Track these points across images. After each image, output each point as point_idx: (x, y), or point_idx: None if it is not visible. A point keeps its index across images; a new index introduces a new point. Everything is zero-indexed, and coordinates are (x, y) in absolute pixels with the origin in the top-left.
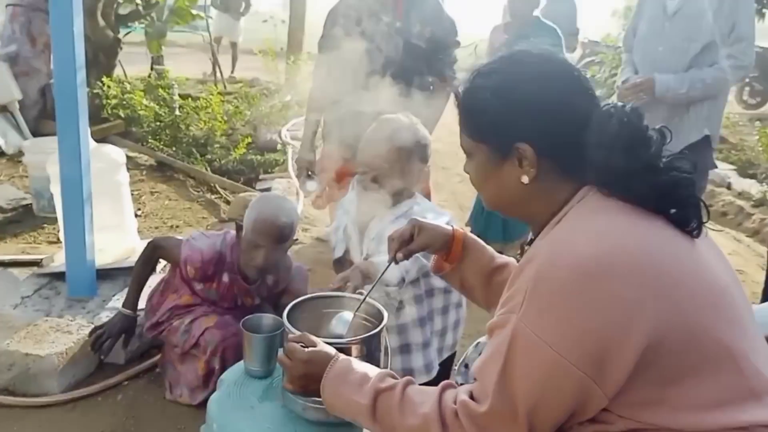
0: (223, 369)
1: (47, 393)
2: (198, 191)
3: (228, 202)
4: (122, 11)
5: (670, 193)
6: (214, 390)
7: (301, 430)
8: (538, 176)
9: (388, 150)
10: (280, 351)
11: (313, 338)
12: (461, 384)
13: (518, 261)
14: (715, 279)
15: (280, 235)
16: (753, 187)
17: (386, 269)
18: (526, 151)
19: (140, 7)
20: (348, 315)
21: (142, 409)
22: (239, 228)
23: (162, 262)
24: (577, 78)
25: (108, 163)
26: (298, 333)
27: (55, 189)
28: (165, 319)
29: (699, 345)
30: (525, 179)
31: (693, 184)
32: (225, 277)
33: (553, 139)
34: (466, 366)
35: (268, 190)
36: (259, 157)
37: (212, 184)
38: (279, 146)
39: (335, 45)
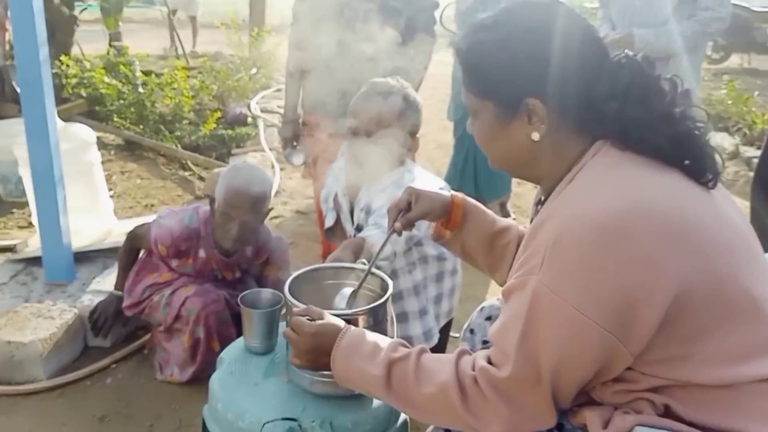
0: (208, 339)
1: (33, 380)
2: (170, 169)
3: (202, 179)
4: None
5: (686, 144)
6: (203, 365)
7: (309, 405)
8: (548, 132)
9: (378, 115)
10: (283, 326)
11: (320, 310)
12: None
13: None
14: (736, 229)
15: (253, 205)
16: (725, 140)
17: (386, 240)
18: (536, 105)
19: None
20: (350, 287)
21: (134, 392)
22: (212, 201)
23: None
24: (585, 27)
25: (77, 143)
26: (302, 306)
27: (25, 172)
28: (145, 297)
29: (724, 296)
30: (535, 136)
31: (707, 134)
32: (201, 253)
33: (563, 92)
34: (472, 331)
35: None
36: (230, 132)
37: (184, 161)
38: (249, 120)
39: (312, 5)
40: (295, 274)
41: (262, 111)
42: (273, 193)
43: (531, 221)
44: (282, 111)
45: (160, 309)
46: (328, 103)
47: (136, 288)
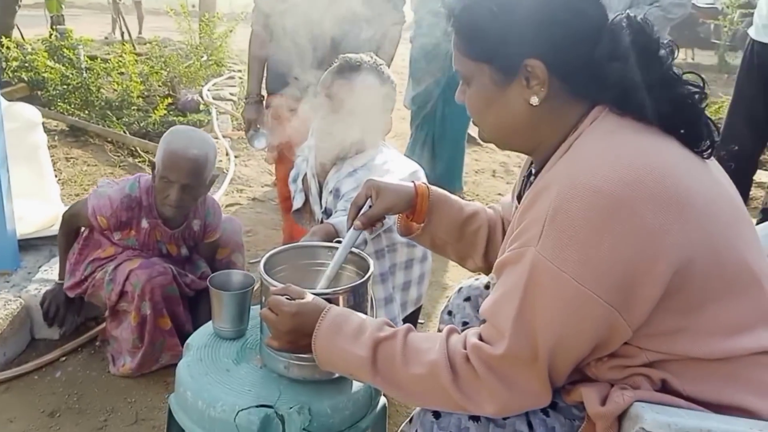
0: (156, 316)
1: None
2: (118, 155)
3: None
4: None
5: (684, 109)
6: (151, 345)
7: (285, 391)
8: (547, 97)
9: (351, 91)
10: (255, 307)
11: (300, 289)
12: None
13: None
14: (731, 200)
15: (192, 169)
16: None
17: (348, 239)
18: (536, 67)
19: None
20: (328, 265)
21: (86, 385)
22: (153, 166)
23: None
24: None
25: (22, 123)
26: (281, 285)
27: None
28: (88, 275)
29: (723, 267)
30: (534, 100)
31: (705, 99)
32: (144, 223)
33: (564, 53)
34: (450, 313)
35: None
36: (181, 118)
37: (133, 147)
38: (202, 106)
39: None
40: (269, 253)
41: (214, 98)
42: (216, 158)
43: (518, 195)
44: (234, 98)
45: (105, 286)
46: (295, 81)
47: (78, 267)
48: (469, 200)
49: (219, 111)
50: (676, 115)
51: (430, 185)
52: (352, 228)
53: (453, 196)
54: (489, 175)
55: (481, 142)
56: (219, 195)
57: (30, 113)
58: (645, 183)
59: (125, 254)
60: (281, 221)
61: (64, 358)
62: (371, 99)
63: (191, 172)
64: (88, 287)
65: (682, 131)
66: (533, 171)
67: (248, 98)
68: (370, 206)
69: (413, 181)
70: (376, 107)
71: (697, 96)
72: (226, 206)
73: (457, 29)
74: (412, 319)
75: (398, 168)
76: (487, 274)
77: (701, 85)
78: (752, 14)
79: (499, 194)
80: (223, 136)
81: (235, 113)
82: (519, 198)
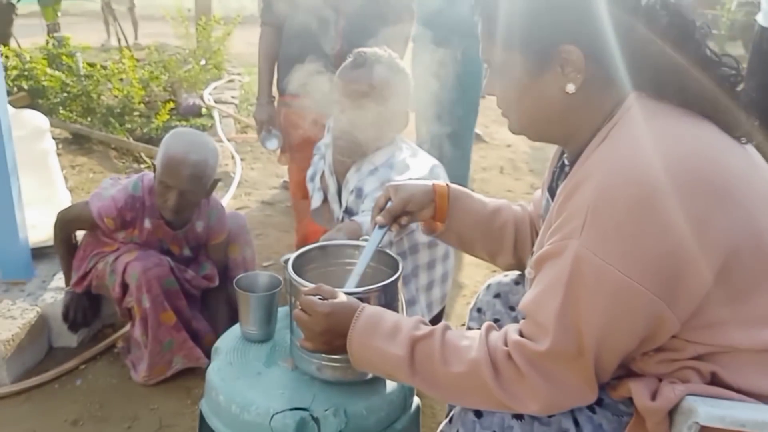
0: (156, 310)
1: None
2: (123, 162)
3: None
4: None
5: (722, 93)
6: (157, 343)
7: (319, 393)
8: (583, 83)
9: (367, 86)
10: (281, 309)
11: (332, 289)
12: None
13: None
14: None
15: (191, 175)
16: None
17: (374, 236)
18: (572, 53)
19: None
20: (355, 264)
21: (107, 393)
22: (155, 168)
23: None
24: None
25: (31, 130)
26: (312, 285)
27: None
28: (91, 267)
29: (767, 253)
30: (570, 88)
31: (741, 83)
32: (147, 223)
33: (600, 37)
34: (479, 310)
35: None
36: (184, 123)
37: (138, 153)
38: (204, 110)
39: None
40: (297, 252)
41: (215, 102)
42: (217, 162)
43: (549, 187)
44: (236, 102)
45: (107, 276)
46: (308, 80)
47: (83, 264)
48: None
49: (221, 114)
50: (715, 98)
51: (450, 183)
52: (376, 226)
53: (475, 194)
54: (497, 172)
55: (487, 140)
56: (227, 198)
57: (38, 120)
58: (688, 171)
59: (126, 248)
60: (293, 223)
61: (83, 366)
62: (387, 93)
63: (190, 179)
64: (92, 279)
65: (720, 115)
66: (566, 162)
67: (259, 99)
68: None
69: (432, 182)
70: (392, 102)
71: (732, 79)
72: (235, 210)
73: (485, 16)
74: (436, 320)
75: (418, 164)
76: (518, 270)
77: (737, 67)
78: (750, 3)
79: (509, 191)
80: (228, 140)
81: (238, 116)
82: (550, 191)
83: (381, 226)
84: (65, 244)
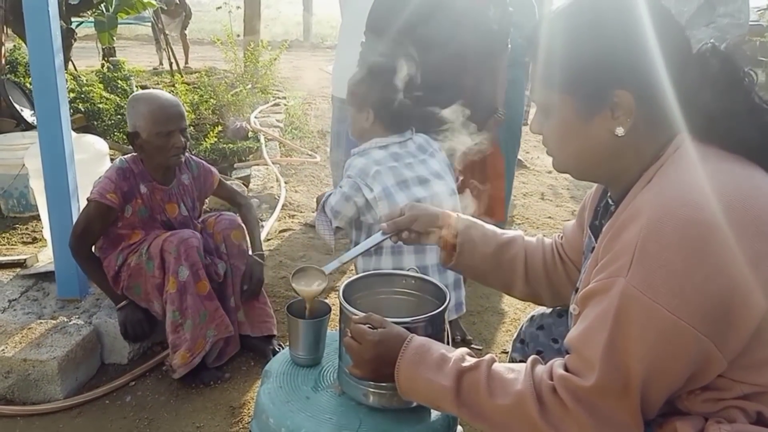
0: (195, 281)
1: (50, 399)
2: None
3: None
4: (73, 1)
5: None
6: (198, 319)
7: (366, 419)
8: (631, 126)
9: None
10: (331, 335)
11: (381, 318)
12: (520, 361)
13: None
14: None
15: (181, 113)
16: None
17: (374, 237)
18: (624, 98)
19: None
20: (403, 296)
21: (155, 409)
22: (136, 135)
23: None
24: (669, 13)
25: (91, 154)
26: (362, 314)
27: (36, 184)
28: (120, 264)
29: None
30: (620, 131)
31: None
32: (142, 188)
33: (654, 81)
34: (522, 341)
35: (245, 177)
36: (231, 146)
37: None
38: (250, 133)
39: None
40: (347, 281)
41: (261, 125)
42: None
43: (591, 225)
44: (281, 125)
45: (145, 266)
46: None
47: (111, 264)
48: (519, 224)
49: (267, 138)
50: (762, 143)
51: (461, 215)
52: (380, 231)
53: (487, 225)
54: (537, 198)
55: (528, 165)
56: (271, 221)
57: (98, 145)
58: (737, 210)
59: (152, 235)
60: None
61: (133, 383)
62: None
63: (182, 116)
64: (124, 277)
65: (766, 160)
66: (611, 201)
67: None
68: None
69: (443, 212)
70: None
71: None
72: (279, 232)
73: (537, 60)
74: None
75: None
76: (533, 302)
77: None
78: None
79: (549, 217)
80: (273, 163)
81: (283, 140)
82: (593, 228)
83: (383, 233)
84: (91, 262)
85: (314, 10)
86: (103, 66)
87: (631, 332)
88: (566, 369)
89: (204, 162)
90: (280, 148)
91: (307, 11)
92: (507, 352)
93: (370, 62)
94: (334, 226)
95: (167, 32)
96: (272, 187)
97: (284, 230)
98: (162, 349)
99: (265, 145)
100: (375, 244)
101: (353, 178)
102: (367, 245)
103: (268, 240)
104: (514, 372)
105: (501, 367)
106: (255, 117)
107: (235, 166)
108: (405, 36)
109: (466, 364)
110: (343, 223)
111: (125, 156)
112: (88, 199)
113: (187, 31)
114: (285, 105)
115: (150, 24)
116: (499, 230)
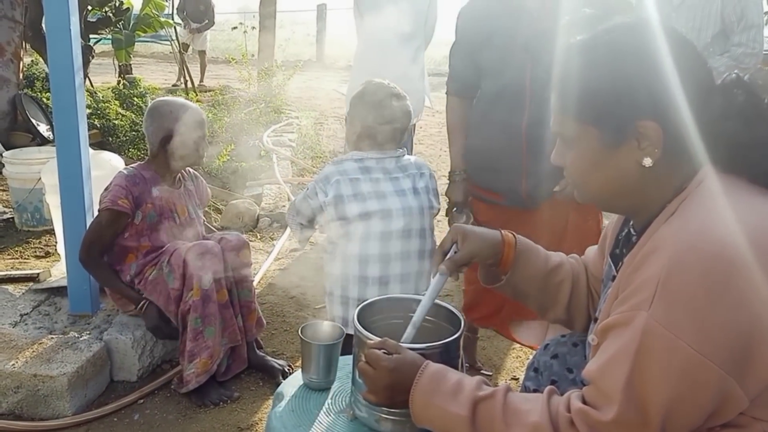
0: (217, 287)
1: (58, 416)
2: None
3: (218, 210)
4: (91, 18)
5: None
6: (222, 325)
7: None
8: (659, 158)
9: None
10: (344, 360)
11: (396, 344)
12: (533, 390)
13: None
14: None
15: (203, 119)
16: None
17: (435, 284)
18: (650, 129)
19: (111, 14)
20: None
21: (163, 428)
22: (167, 139)
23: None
24: (692, 45)
25: (108, 170)
26: (377, 339)
27: (52, 199)
28: (135, 273)
29: None
30: (648, 161)
31: None
32: (154, 191)
33: (678, 114)
34: (536, 370)
35: (257, 196)
36: (243, 164)
37: None
38: (262, 152)
39: None
40: (360, 305)
41: (273, 144)
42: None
43: (612, 254)
44: (293, 145)
45: (165, 278)
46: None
47: (125, 272)
48: None
49: (279, 157)
50: None
51: (518, 235)
52: (438, 273)
53: (538, 246)
54: None
55: None
56: (282, 240)
57: (115, 161)
58: (761, 247)
59: (170, 247)
60: None
61: (141, 401)
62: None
63: (204, 121)
64: (139, 289)
65: None
66: (633, 231)
67: (452, 175)
68: (455, 252)
69: (500, 230)
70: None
71: None
72: (290, 251)
73: (560, 91)
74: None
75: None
76: (566, 326)
77: None
78: None
79: None
80: (284, 182)
81: (295, 159)
82: (613, 257)
83: (441, 274)
84: (102, 267)
85: (328, 31)
86: (119, 83)
87: (652, 367)
88: (584, 401)
89: (199, 176)
90: (292, 167)
91: (321, 33)
92: (517, 379)
93: (372, 82)
94: (299, 222)
95: (194, 47)
96: (284, 206)
97: (295, 250)
98: (171, 367)
99: (277, 165)
100: (439, 289)
101: (315, 182)
102: (431, 295)
103: (279, 259)
104: (530, 402)
105: (517, 396)
106: (267, 136)
107: (247, 184)
108: None
109: (481, 392)
110: (305, 221)
111: (132, 166)
112: (99, 210)
113: (207, 48)
114: (297, 125)
115: (168, 42)
116: (548, 252)
